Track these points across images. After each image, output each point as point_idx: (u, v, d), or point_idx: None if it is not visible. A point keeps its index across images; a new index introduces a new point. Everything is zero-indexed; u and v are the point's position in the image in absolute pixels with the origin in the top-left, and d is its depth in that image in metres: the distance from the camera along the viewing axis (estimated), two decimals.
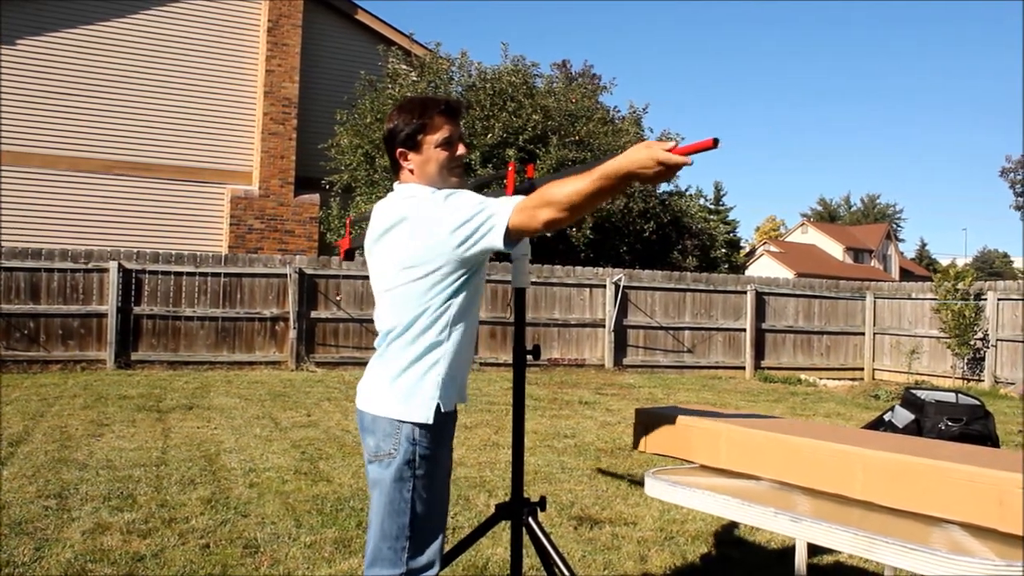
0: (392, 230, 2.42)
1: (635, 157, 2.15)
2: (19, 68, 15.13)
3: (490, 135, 15.14)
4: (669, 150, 2.11)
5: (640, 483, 5.80)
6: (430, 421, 2.37)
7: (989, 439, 3.85)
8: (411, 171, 2.51)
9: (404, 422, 2.37)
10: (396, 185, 2.57)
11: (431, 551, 2.42)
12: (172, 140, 16.13)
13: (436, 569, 2.43)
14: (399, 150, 2.51)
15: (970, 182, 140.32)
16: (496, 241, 2.27)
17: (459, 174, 2.56)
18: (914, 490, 2.59)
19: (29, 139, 15.15)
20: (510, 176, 3.09)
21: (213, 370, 11.95)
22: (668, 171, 2.14)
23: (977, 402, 4.00)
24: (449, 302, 2.40)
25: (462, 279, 2.40)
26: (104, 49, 15.65)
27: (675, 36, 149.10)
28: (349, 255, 4.02)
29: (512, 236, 2.27)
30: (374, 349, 2.54)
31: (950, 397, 4.10)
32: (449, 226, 2.29)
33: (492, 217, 2.27)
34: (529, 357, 3.05)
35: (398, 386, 2.39)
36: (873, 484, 2.68)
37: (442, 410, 2.40)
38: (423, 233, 2.33)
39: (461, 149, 2.55)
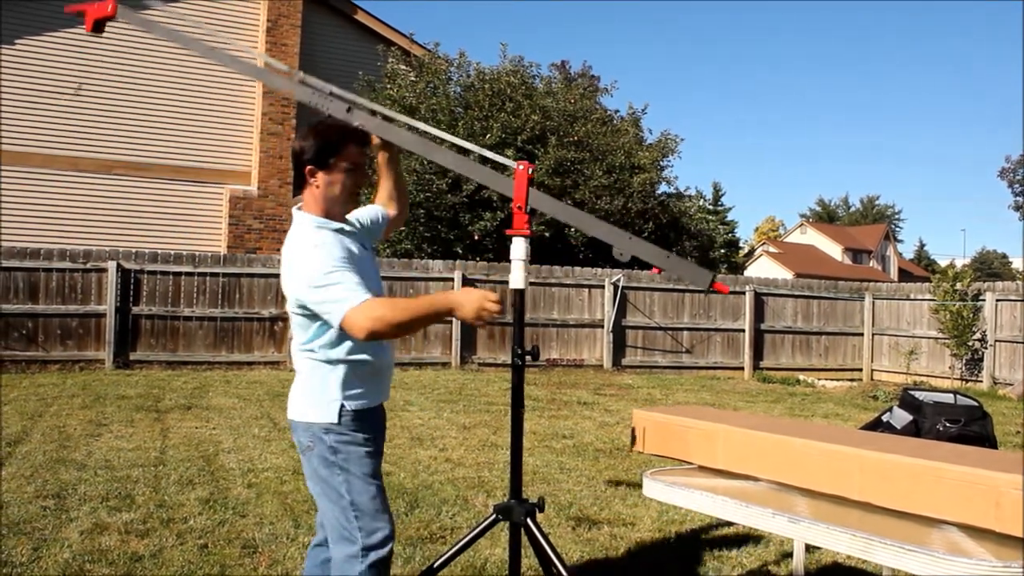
0: (284, 265, 2.68)
1: (460, 299, 2.55)
2: (18, 68, 15.12)
3: (489, 135, 15.14)
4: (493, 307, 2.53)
5: (638, 484, 5.81)
6: (335, 421, 2.65)
7: (987, 440, 3.85)
8: (316, 187, 2.70)
9: (314, 423, 2.66)
10: (295, 210, 2.78)
11: (382, 528, 2.66)
12: (171, 140, 16.12)
13: (391, 544, 2.67)
14: (309, 167, 2.68)
15: (969, 183, 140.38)
16: (333, 323, 2.54)
17: (355, 201, 2.81)
18: (911, 491, 2.59)
19: (28, 139, 15.14)
20: (519, 175, 2.97)
21: (212, 370, 11.95)
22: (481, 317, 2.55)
23: (975, 403, 4.00)
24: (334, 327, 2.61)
25: None
26: (103, 49, 15.63)
27: (674, 37, 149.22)
28: (98, 26, 3.45)
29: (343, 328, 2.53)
30: None
31: (948, 398, 4.10)
32: (307, 284, 2.56)
33: (336, 304, 2.51)
34: (528, 358, 3.04)
35: (306, 393, 2.70)
36: (870, 485, 2.69)
37: (347, 408, 2.66)
38: (295, 282, 2.61)
39: (362, 179, 2.77)
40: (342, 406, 2.65)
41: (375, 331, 2.48)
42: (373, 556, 2.61)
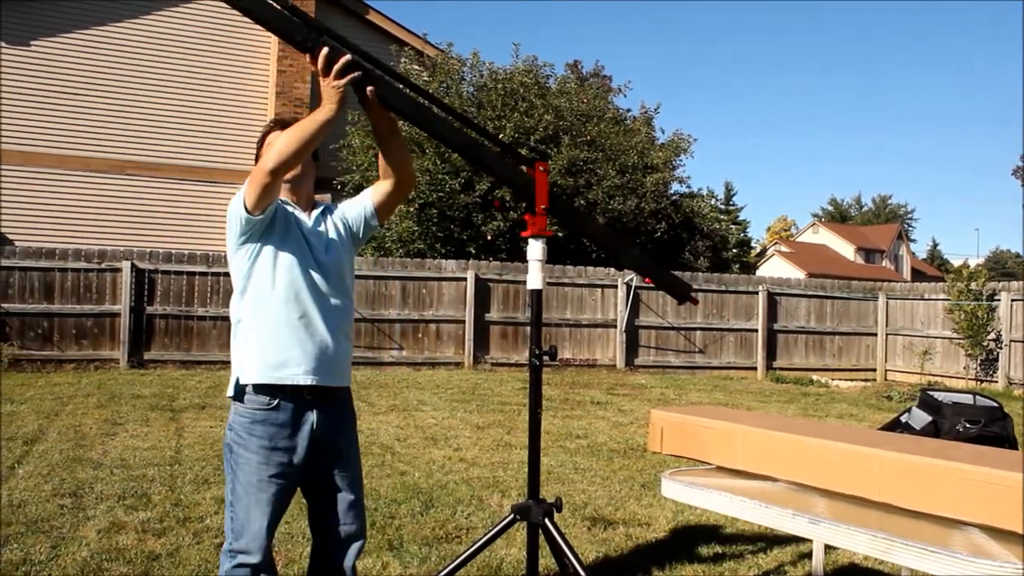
0: None
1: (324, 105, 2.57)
2: (32, 68, 15.20)
3: (502, 135, 15.13)
4: None
5: (653, 484, 5.79)
6: (231, 394, 2.67)
7: (1007, 441, 3.83)
8: None
9: (231, 400, 2.69)
10: None
11: (247, 538, 2.63)
12: (184, 140, 16.18)
13: (254, 558, 2.62)
14: (256, 154, 2.90)
15: (982, 182, 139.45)
16: (240, 211, 2.71)
17: (297, 190, 2.89)
18: (932, 492, 2.58)
19: (42, 139, 15.22)
20: (540, 176, 2.94)
21: (225, 369, 11.95)
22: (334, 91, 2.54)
23: (995, 404, 3.98)
24: (247, 281, 2.71)
25: (250, 251, 2.74)
26: (117, 50, 15.71)
27: (686, 37, 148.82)
28: None
29: (250, 204, 2.70)
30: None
31: (967, 399, 4.07)
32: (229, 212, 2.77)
33: (237, 197, 2.75)
34: (545, 358, 3.03)
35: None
36: (891, 486, 2.67)
37: (240, 383, 2.64)
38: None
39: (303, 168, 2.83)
40: (237, 380, 2.65)
41: (268, 162, 2.63)
42: (241, 559, 2.64)
